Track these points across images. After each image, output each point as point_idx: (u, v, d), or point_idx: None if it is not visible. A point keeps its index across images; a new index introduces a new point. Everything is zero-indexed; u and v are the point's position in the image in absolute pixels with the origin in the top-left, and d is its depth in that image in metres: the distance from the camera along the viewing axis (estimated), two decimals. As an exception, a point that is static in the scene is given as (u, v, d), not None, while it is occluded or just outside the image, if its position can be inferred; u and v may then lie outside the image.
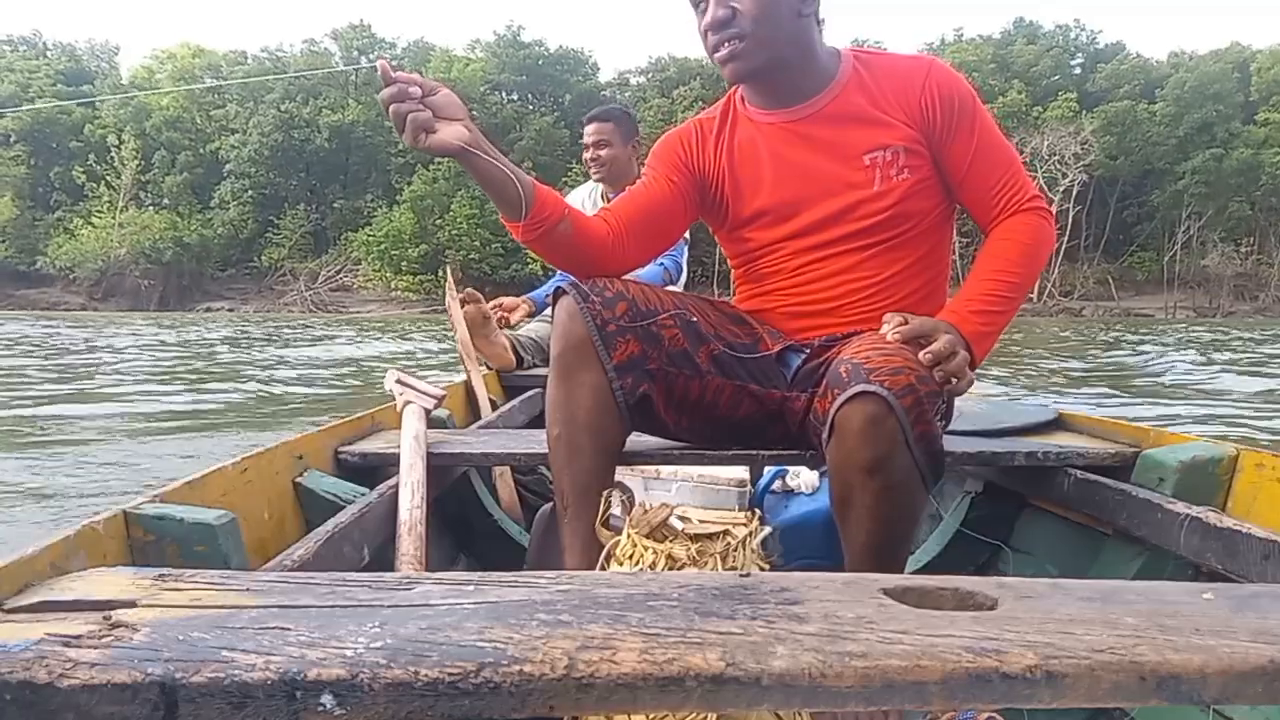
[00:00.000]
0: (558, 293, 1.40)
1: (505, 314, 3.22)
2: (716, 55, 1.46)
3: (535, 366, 3.18)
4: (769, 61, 1.45)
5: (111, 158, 56.36)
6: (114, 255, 52.88)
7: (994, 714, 1.04)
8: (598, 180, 3.42)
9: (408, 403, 1.75)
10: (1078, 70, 59.57)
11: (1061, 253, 49.18)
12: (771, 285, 1.56)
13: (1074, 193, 48.65)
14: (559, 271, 3.66)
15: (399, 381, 1.84)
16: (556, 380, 1.37)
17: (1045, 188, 47.73)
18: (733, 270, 1.68)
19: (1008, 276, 1.42)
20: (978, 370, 1.36)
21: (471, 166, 1.31)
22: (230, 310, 49.92)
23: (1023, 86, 53.77)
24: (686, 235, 3.54)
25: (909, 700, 0.59)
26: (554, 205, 1.40)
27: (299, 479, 1.44)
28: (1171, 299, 50.83)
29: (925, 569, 1.88)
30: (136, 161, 56.59)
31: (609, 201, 3.48)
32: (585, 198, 3.54)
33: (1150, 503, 1.39)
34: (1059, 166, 48.28)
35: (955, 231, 1.66)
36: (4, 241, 54.70)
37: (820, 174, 1.49)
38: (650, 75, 60.28)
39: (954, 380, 1.24)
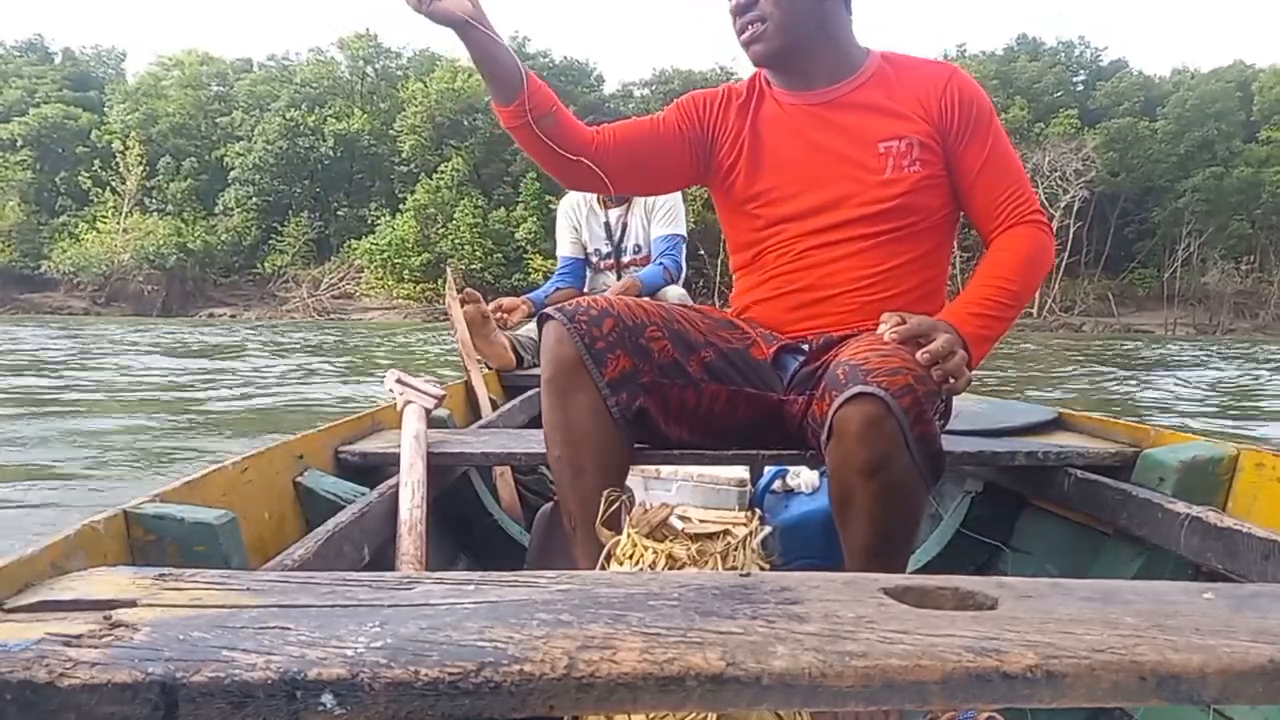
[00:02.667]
0: (542, 319, 1.40)
1: (504, 314, 3.22)
2: (740, 37, 1.51)
3: (535, 366, 3.16)
4: (790, 44, 1.48)
5: (117, 163, 56.46)
6: (118, 260, 52.88)
7: (994, 714, 1.03)
8: None
9: (408, 402, 1.75)
10: (1080, 87, 59.60)
11: (1062, 268, 49.23)
12: (772, 271, 1.57)
13: (1075, 209, 48.58)
14: (558, 272, 3.68)
15: (399, 381, 1.84)
16: (552, 403, 1.36)
17: (1046, 204, 47.54)
18: (732, 260, 1.68)
19: (1008, 285, 1.43)
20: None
21: (471, 40, 1.35)
22: (232, 316, 49.92)
23: (1025, 103, 53.76)
24: (684, 233, 3.55)
25: (909, 700, 0.59)
26: (544, 96, 1.45)
27: (299, 479, 1.44)
28: (1171, 315, 50.75)
29: (925, 569, 1.88)
30: (142, 167, 56.72)
31: (604, 205, 3.51)
32: (581, 200, 3.55)
33: (1150, 502, 1.38)
34: (1060, 183, 48.24)
35: (957, 240, 1.67)
36: (9, 245, 54.79)
37: (833, 156, 1.51)
38: (654, 87, 60.36)
39: (952, 380, 1.24)
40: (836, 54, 1.53)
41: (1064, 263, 48.92)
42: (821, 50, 1.52)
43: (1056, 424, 1.85)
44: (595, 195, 3.48)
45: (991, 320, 1.40)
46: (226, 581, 0.74)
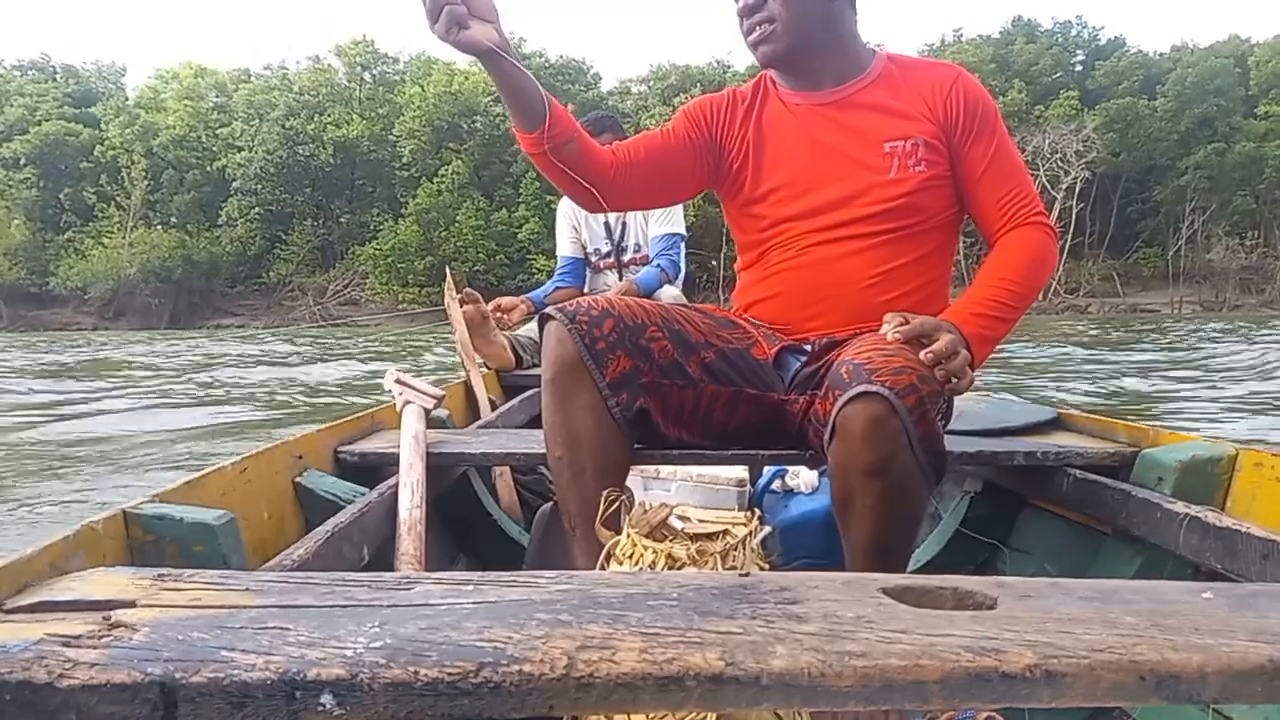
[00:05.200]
0: (543, 319, 1.40)
1: (503, 314, 3.22)
2: (748, 39, 1.52)
3: (534, 366, 3.18)
4: (798, 45, 1.50)
5: (122, 178, 56.39)
6: (124, 274, 52.88)
7: (993, 713, 1.03)
8: None
9: (407, 402, 1.75)
10: (1079, 68, 59.42)
11: (1066, 250, 48.80)
12: (776, 268, 1.57)
13: (1077, 190, 48.32)
14: (558, 272, 3.68)
15: (398, 381, 1.84)
16: (553, 404, 1.36)
17: (1048, 186, 47.72)
18: (739, 258, 1.69)
19: (1012, 286, 1.43)
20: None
21: (497, 69, 1.35)
22: (240, 327, 49.79)
23: (1023, 86, 53.51)
24: (684, 231, 3.55)
25: (908, 700, 0.59)
26: (566, 123, 1.44)
27: (298, 479, 1.44)
28: (1177, 294, 50.25)
29: (924, 569, 1.88)
30: (146, 181, 56.66)
31: None
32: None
33: (1149, 502, 1.38)
34: (1061, 164, 48.05)
35: (960, 239, 1.67)
36: (15, 264, 54.90)
37: (839, 156, 1.52)
38: (651, 84, 60.29)
39: (954, 380, 1.24)
40: (843, 54, 1.54)
41: (1068, 244, 48.63)
42: (829, 51, 1.53)
43: (1056, 424, 1.85)
44: None
45: (995, 321, 1.40)
46: (226, 582, 0.74)
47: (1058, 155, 47.93)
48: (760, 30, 1.49)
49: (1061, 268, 48.82)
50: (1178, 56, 57.41)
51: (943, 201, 1.52)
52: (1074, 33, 62.49)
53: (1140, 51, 59.85)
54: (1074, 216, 49.00)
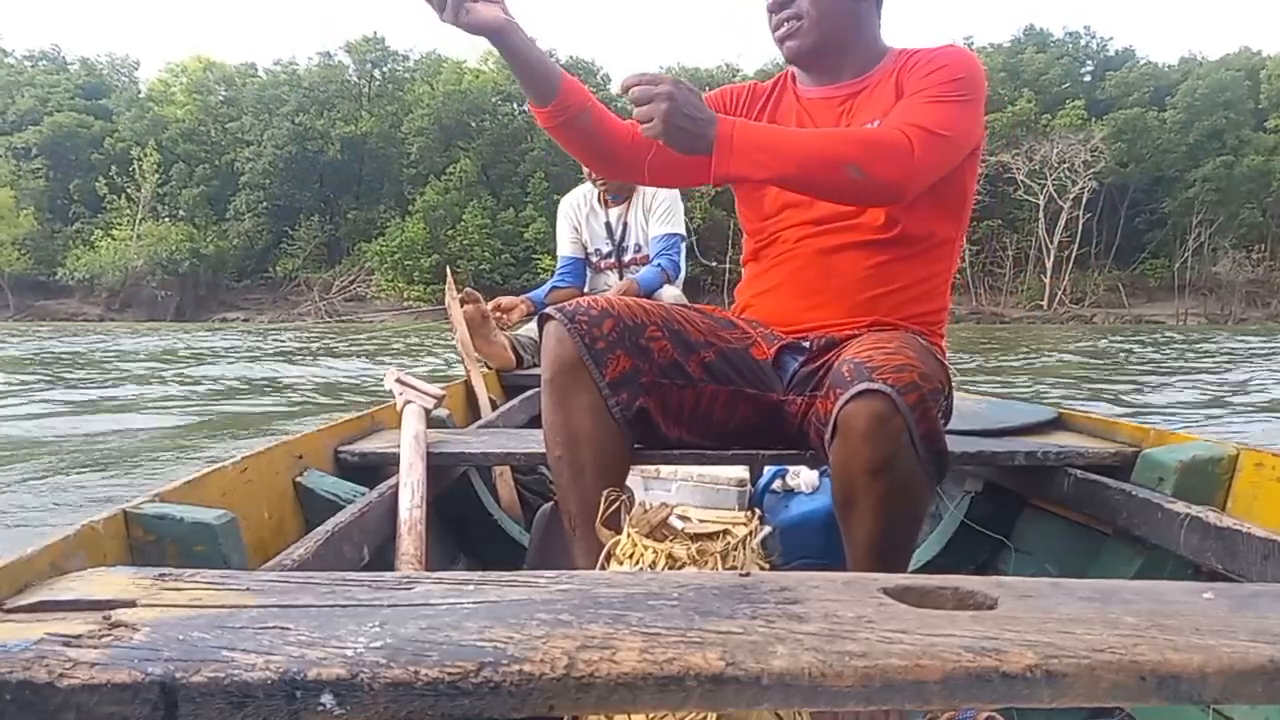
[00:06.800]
0: (542, 319, 1.40)
1: (503, 314, 3.22)
2: (775, 34, 1.54)
3: (535, 366, 3.17)
4: (822, 42, 1.51)
5: (132, 170, 56.57)
6: (132, 266, 53.12)
7: (994, 713, 1.03)
8: (601, 186, 3.44)
9: (407, 402, 1.75)
10: (1088, 78, 59.64)
11: (1072, 260, 49.36)
12: (774, 261, 1.57)
13: (1084, 200, 48.52)
14: (558, 272, 3.69)
15: (399, 381, 1.84)
16: (553, 405, 1.35)
17: (1055, 195, 47.80)
18: (746, 248, 1.69)
19: (821, 138, 1.37)
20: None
21: (506, 47, 1.37)
22: (245, 321, 49.89)
23: (1032, 95, 53.74)
24: (683, 232, 3.55)
25: (909, 700, 0.59)
26: (579, 94, 1.47)
27: (299, 478, 1.44)
28: (1183, 306, 50.46)
29: (925, 568, 1.88)
30: (157, 175, 56.85)
31: (605, 203, 3.51)
32: (581, 200, 3.56)
33: (1150, 502, 1.38)
34: (1069, 174, 48.23)
35: (965, 240, 1.66)
36: (25, 253, 55.21)
37: None
38: (660, 86, 60.32)
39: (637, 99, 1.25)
40: (864, 54, 1.55)
41: (1074, 254, 49.13)
42: (852, 50, 1.54)
43: (1056, 424, 1.84)
44: (596, 194, 3.48)
45: (779, 141, 1.33)
46: (226, 581, 0.74)
47: (1065, 165, 47.99)
48: (788, 26, 1.51)
49: (1067, 277, 48.92)
50: (1187, 68, 57.74)
51: (937, 192, 1.47)
52: (1084, 43, 62.74)
53: (1150, 62, 60.21)
54: (1080, 226, 49.22)
